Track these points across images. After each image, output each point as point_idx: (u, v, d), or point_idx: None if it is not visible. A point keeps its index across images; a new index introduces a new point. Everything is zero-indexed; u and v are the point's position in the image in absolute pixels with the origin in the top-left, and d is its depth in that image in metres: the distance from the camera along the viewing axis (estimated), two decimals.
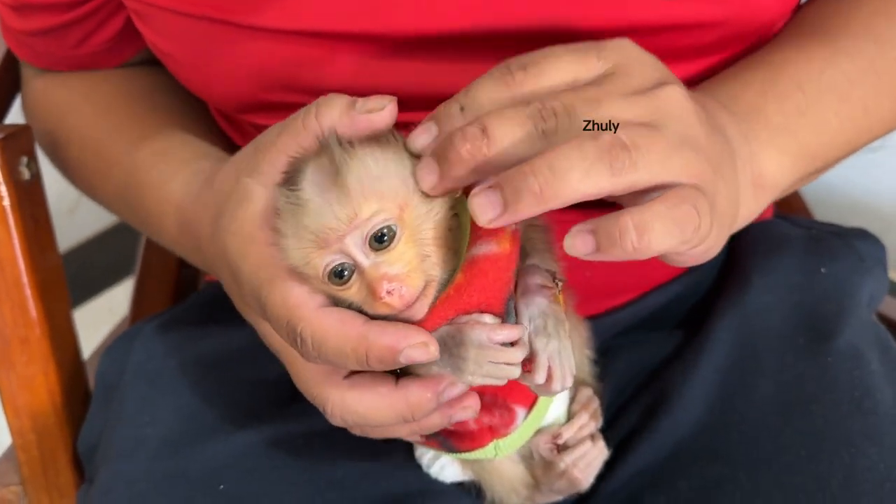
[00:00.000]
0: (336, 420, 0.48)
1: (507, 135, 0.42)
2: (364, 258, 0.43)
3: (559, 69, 0.45)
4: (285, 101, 0.63)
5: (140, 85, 0.76)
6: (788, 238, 0.73)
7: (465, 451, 0.53)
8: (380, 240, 0.43)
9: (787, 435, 0.59)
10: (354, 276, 0.44)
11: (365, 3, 0.58)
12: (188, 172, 0.62)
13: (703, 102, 0.49)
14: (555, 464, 0.56)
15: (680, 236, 0.41)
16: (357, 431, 0.51)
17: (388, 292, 0.43)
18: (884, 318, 0.71)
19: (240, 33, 0.61)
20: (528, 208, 0.41)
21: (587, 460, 0.56)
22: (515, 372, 0.45)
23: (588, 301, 0.60)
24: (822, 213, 0.92)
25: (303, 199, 0.43)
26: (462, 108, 0.45)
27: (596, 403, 0.59)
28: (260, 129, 0.69)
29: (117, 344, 0.75)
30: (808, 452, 0.58)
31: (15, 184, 0.67)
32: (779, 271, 0.69)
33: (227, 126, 0.75)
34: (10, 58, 0.79)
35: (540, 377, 0.46)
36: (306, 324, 0.44)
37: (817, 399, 0.60)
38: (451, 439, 0.53)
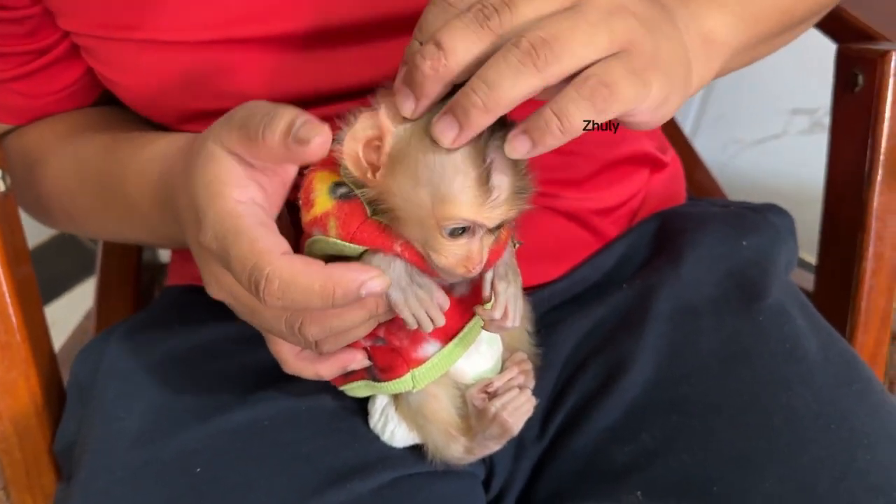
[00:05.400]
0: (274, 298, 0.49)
1: (460, 42, 0.45)
2: (482, 235, 0.51)
3: None
4: (217, 108, 0.67)
5: (103, 112, 0.80)
6: (711, 216, 0.79)
7: (385, 380, 0.60)
8: (493, 230, 0.51)
9: (732, 383, 0.65)
10: (465, 239, 0.51)
11: (266, 6, 0.63)
12: (170, 135, 0.66)
13: None
14: (486, 409, 0.61)
15: (593, 109, 0.45)
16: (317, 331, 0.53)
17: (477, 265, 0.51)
18: None
19: (163, 49, 0.65)
20: (479, 120, 0.46)
21: (515, 405, 0.61)
22: (428, 327, 0.53)
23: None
24: (732, 196, 0.98)
25: (493, 185, 0.49)
26: (421, 43, 0.47)
27: (529, 365, 0.65)
28: None
29: (89, 348, 0.77)
30: (752, 397, 0.64)
31: None
32: (707, 245, 0.75)
33: None
34: None
35: (498, 313, 0.56)
36: (274, 267, 0.48)
37: (754, 351, 0.67)
38: (376, 370, 0.60)
